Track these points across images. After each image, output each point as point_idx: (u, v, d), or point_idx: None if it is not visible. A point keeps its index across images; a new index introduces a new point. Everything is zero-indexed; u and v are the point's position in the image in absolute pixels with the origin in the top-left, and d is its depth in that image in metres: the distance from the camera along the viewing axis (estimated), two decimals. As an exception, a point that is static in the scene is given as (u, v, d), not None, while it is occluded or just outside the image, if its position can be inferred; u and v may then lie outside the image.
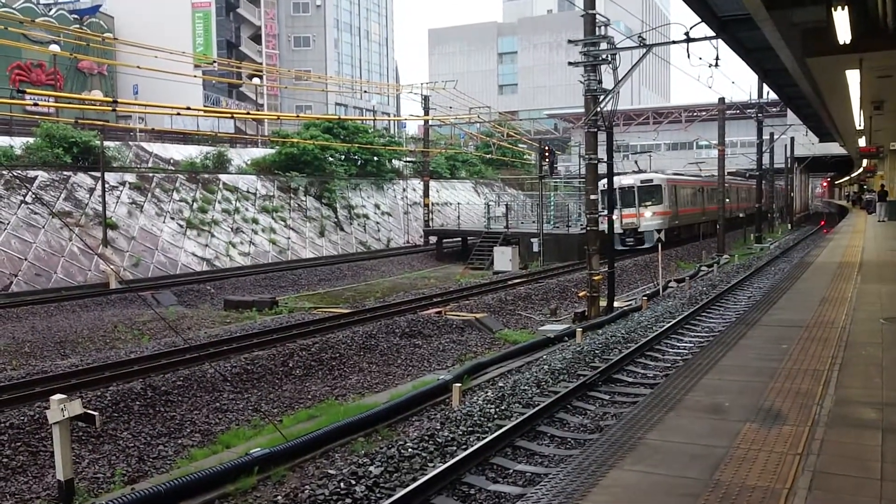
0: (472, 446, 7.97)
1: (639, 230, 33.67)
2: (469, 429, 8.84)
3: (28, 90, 37.90)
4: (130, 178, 31.75)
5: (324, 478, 7.52)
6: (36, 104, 37.85)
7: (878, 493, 4.57)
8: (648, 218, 33.44)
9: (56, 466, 7.85)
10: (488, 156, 55.82)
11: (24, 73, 43.14)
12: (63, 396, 7.81)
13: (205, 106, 48.29)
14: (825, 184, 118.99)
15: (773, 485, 4.77)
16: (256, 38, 69.36)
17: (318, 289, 26.82)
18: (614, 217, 29.77)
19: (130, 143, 36.45)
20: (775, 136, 48.52)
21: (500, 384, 11.22)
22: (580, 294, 19.64)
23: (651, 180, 34.48)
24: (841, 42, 10.95)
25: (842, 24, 10.24)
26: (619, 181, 31.75)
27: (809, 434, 5.68)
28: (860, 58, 12.59)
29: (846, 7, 9.70)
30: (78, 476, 8.53)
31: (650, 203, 33.77)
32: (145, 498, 7.03)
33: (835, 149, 47.27)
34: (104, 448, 9.69)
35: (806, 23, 11.75)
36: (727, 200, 47.28)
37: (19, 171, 28.16)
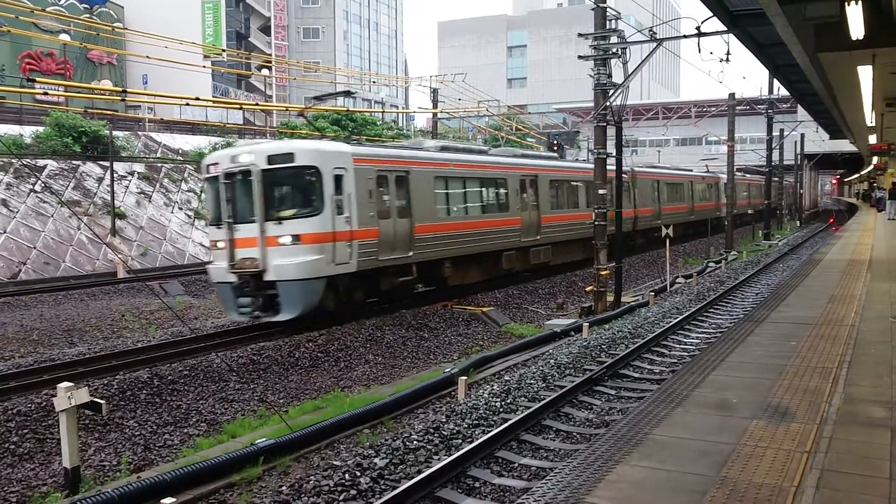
0: (478, 439, 7.95)
1: (265, 278, 14.48)
2: (474, 422, 8.82)
3: (38, 79, 37.99)
4: (139, 167, 31.81)
5: (329, 469, 7.51)
6: (46, 93, 37.97)
7: (886, 492, 4.54)
8: (289, 249, 14.41)
9: (62, 454, 7.88)
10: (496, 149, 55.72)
11: (35, 62, 43.23)
12: (70, 384, 7.83)
13: (214, 96, 48.31)
14: (835, 181, 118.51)
15: (781, 482, 4.74)
16: (266, 29, 69.33)
17: (324, 280, 26.82)
18: (223, 244, 15.03)
19: (139, 132, 36.53)
20: (785, 133, 48.29)
21: (506, 378, 11.20)
22: (587, 289, 19.60)
23: (292, 155, 14.86)
24: (854, 38, 10.86)
25: (855, 20, 10.15)
26: (218, 159, 15.58)
27: (818, 432, 5.65)
28: (873, 54, 12.49)
29: (860, 2, 9.61)
30: (84, 464, 8.55)
31: (295, 213, 14.79)
32: (151, 486, 7.03)
33: (845, 146, 47.01)
34: (110, 436, 9.72)
35: (819, 18, 11.66)
36: (688, 200, 38.34)
37: (29, 160, 28.25)
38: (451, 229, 18.75)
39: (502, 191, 21.30)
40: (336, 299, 15.43)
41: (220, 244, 15.18)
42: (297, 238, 14.36)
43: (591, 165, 28.31)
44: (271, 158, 14.77)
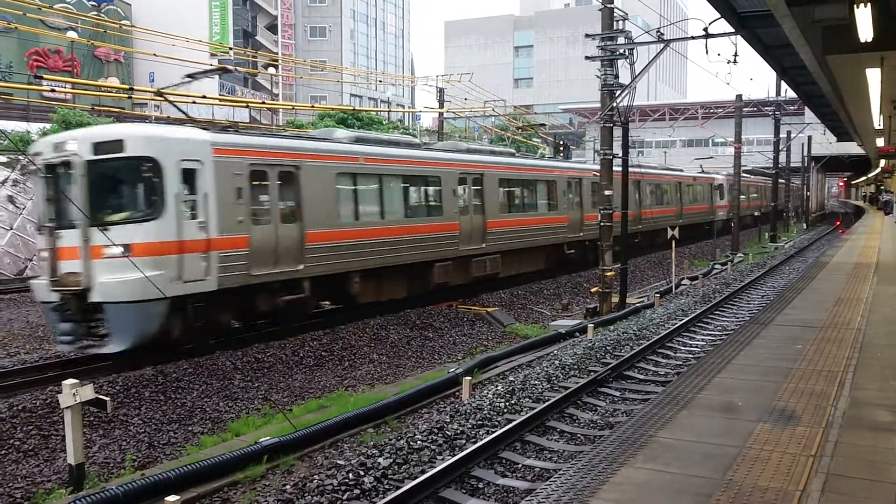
0: (482, 440, 7.95)
1: (90, 299, 11.64)
2: (478, 422, 8.81)
3: (45, 76, 38.11)
4: (145, 165, 31.84)
5: (332, 468, 7.52)
6: (53, 90, 38.11)
7: (892, 496, 4.52)
8: (118, 263, 11.32)
9: (67, 451, 7.89)
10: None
11: (42, 59, 43.39)
12: (75, 381, 7.84)
13: (220, 95, 48.39)
14: (842, 183, 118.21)
15: (786, 486, 4.72)
16: (273, 28, 69.46)
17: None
18: (45, 254, 12.25)
19: (146, 130, 36.53)
20: (792, 135, 48.16)
21: (511, 378, 11.19)
22: (592, 290, 19.58)
23: (121, 143, 11.94)
24: (862, 40, 10.83)
25: (864, 22, 10.12)
26: (42, 147, 12.83)
27: (823, 435, 5.63)
28: (882, 56, 12.46)
29: (868, 4, 9.58)
30: (88, 460, 8.56)
31: (127, 217, 12.08)
32: (155, 484, 7.05)
33: (852, 148, 46.92)
34: (115, 433, 9.73)
35: (827, 20, 11.61)
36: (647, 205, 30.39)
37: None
38: (360, 237, 15.63)
39: (434, 190, 18.30)
40: (187, 325, 12.32)
41: (44, 254, 12.31)
42: (128, 248, 11.18)
43: (555, 163, 26.47)
44: (98, 147, 11.88)
